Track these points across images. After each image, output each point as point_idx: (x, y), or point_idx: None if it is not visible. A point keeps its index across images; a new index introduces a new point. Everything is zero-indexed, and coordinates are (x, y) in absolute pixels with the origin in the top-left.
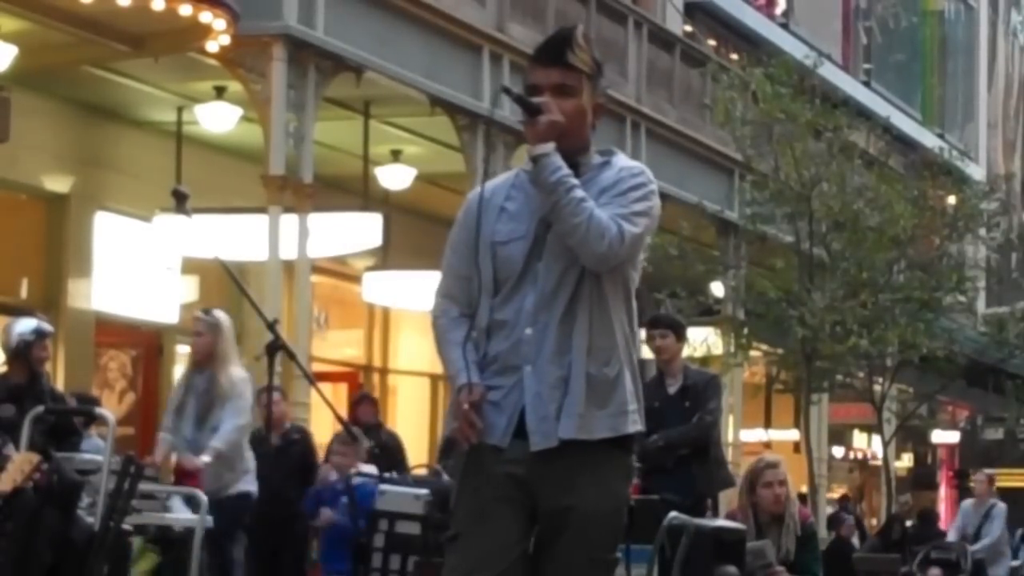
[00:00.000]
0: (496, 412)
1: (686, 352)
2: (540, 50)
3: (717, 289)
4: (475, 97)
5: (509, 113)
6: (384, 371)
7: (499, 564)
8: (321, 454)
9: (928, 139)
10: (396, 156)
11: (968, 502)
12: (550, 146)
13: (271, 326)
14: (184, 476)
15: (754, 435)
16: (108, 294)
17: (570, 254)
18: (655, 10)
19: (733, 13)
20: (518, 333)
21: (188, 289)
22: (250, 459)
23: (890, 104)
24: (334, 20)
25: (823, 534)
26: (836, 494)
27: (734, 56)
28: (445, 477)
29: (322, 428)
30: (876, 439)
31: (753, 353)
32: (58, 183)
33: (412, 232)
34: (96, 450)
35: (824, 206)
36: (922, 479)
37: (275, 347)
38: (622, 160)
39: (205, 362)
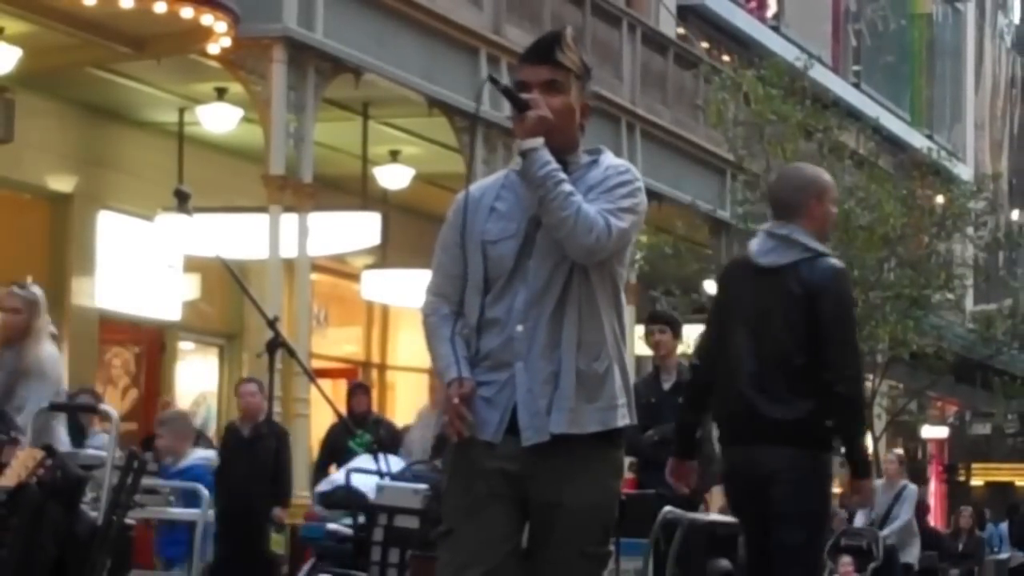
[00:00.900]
0: (488, 408)
1: (680, 349)
2: (530, 49)
3: (710, 287)
4: (472, 99)
5: (497, 110)
6: (383, 367)
7: (491, 559)
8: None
9: (917, 140)
10: (394, 156)
11: (878, 483)
12: (539, 141)
13: (272, 323)
14: None
15: None
16: (111, 292)
17: (559, 251)
18: (648, 13)
19: (725, 16)
20: (509, 330)
21: (190, 287)
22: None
23: (879, 105)
24: (333, 22)
25: None
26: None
27: (726, 58)
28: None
29: (322, 424)
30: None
31: None
32: (62, 183)
33: (410, 231)
34: (102, 445)
35: None
36: (912, 473)
37: (275, 344)
38: (609, 159)
39: (16, 338)
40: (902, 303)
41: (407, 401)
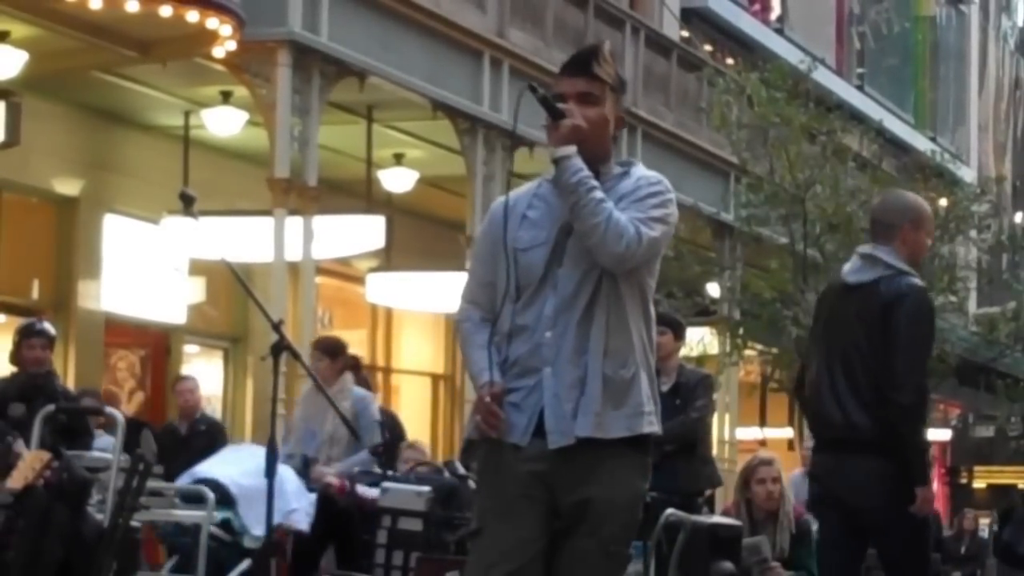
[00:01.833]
0: (517, 413)
1: (683, 352)
2: (568, 61)
3: (713, 290)
4: (476, 101)
5: (497, 112)
6: (387, 371)
7: (519, 559)
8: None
9: (920, 142)
10: (399, 159)
11: (797, 472)
12: (572, 148)
13: (276, 327)
14: None
15: (750, 433)
16: (117, 295)
17: (589, 259)
18: (652, 16)
19: (729, 19)
20: (538, 337)
21: (195, 290)
22: None
23: (883, 108)
24: (338, 26)
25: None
26: None
27: (730, 61)
28: (447, 474)
29: None
30: None
31: (748, 352)
32: (68, 186)
33: (414, 234)
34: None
35: (818, 208)
36: None
37: (280, 347)
38: (641, 170)
39: None
40: None
41: (412, 404)
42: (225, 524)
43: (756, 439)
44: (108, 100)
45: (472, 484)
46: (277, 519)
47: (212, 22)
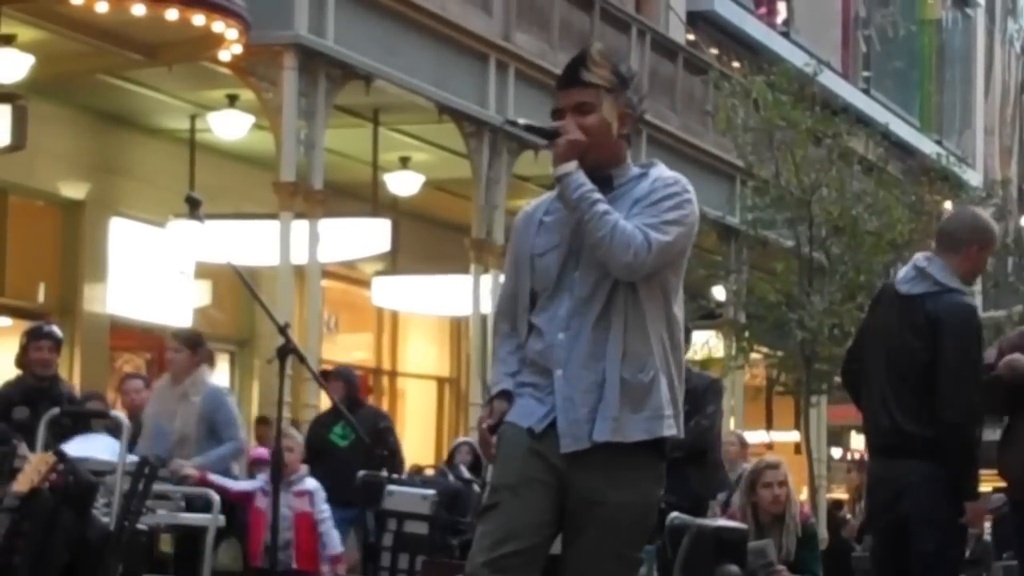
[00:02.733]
0: (537, 403)
1: (688, 355)
2: (561, 74)
3: (719, 293)
4: (482, 105)
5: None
6: (393, 374)
7: (530, 539)
8: None
9: (926, 145)
10: (404, 163)
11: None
12: (571, 165)
13: (282, 330)
14: None
15: (756, 436)
16: (123, 298)
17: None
18: (658, 19)
19: (735, 22)
20: (551, 338)
21: (201, 293)
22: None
23: (889, 111)
24: (344, 29)
25: (823, 534)
26: (835, 494)
27: (736, 64)
28: (451, 478)
29: None
30: None
31: (754, 356)
32: (74, 190)
33: (420, 237)
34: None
35: (824, 211)
36: None
37: (286, 350)
38: (659, 171)
39: None
40: None
41: (417, 407)
42: None
43: (762, 442)
44: (114, 104)
45: (476, 488)
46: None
47: (218, 26)
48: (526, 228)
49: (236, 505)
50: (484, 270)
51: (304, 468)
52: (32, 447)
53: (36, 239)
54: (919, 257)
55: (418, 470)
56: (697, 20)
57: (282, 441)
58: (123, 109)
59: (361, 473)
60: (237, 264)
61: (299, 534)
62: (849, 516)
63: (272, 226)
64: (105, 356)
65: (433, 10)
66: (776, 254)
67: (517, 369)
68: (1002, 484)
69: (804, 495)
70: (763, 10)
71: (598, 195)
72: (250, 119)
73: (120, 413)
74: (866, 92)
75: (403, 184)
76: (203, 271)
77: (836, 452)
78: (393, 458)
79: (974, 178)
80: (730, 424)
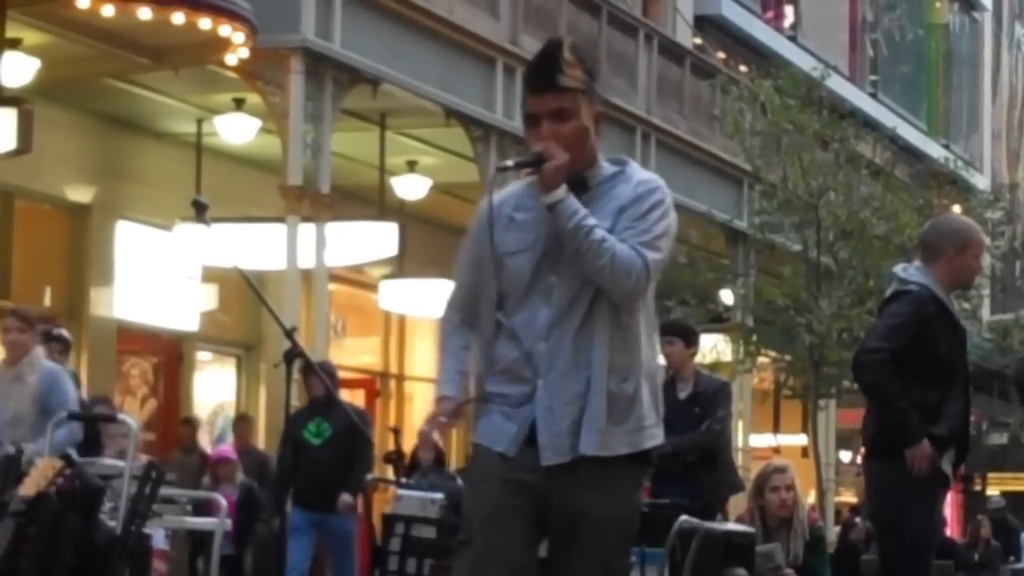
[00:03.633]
0: (505, 421)
1: (696, 359)
2: (531, 76)
3: (726, 297)
4: (489, 108)
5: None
6: (400, 378)
7: (506, 570)
8: None
9: (934, 149)
10: (412, 166)
11: None
12: (561, 191)
13: (289, 334)
14: None
15: (763, 440)
16: (129, 302)
17: None
18: (665, 23)
19: (742, 26)
20: (529, 346)
21: (208, 297)
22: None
23: (896, 115)
24: (351, 33)
25: (831, 538)
26: (844, 498)
27: (743, 68)
28: (459, 481)
29: None
30: None
31: (762, 359)
32: (80, 193)
33: (427, 241)
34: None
35: (831, 215)
36: None
37: (293, 354)
38: (638, 173)
39: None
40: None
41: (425, 411)
42: None
43: (770, 446)
44: (120, 107)
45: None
46: None
47: (225, 29)
48: (495, 220)
49: None
50: None
51: None
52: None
53: (42, 243)
54: (899, 265)
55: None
56: (704, 24)
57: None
58: (129, 113)
59: (370, 476)
60: (244, 268)
61: None
62: (858, 520)
63: (279, 230)
64: (112, 360)
65: (440, 14)
66: (784, 258)
67: (465, 368)
68: (1009, 487)
69: (812, 499)
70: (770, 14)
71: (591, 220)
72: (257, 123)
73: (127, 418)
74: (873, 96)
75: (410, 188)
76: (210, 275)
77: (845, 456)
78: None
79: (982, 182)
80: (738, 427)
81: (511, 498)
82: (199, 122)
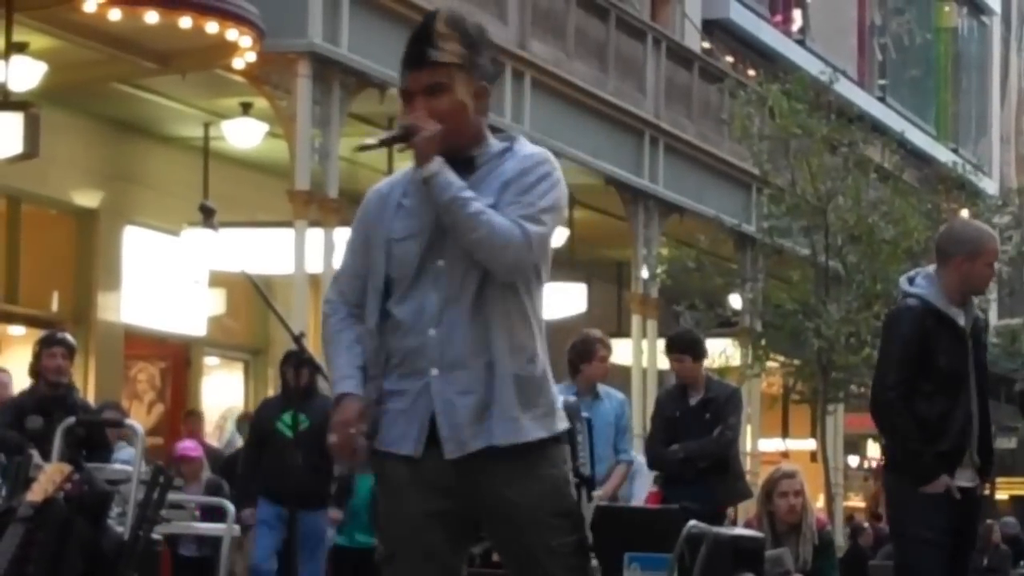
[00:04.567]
0: (405, 421)
1: (705, 363)
2: (405, 52)
3: (735, 301)
4: (497, 112)
5: (528, 127)
6: None
7: None
8: None
9: (942, 154)
10: None
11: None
12: (436, 164)
13: (297, 339)
14: None
15: (772, 445)
16: (137, 307)
17: None
18: (673, 27)
19: (750, 30)
20: (421, 335)
21: (215, 302)
22: None
23: (904, 119)
24: (358, 37)
25: (840, 542)
26: (853, 502)
27: (751, 72)
28: None
29: None
30: None
31: (770, 364)
32: (87, 198)
33: None
34: (129, 459)
35: (840, 219)
36: None
37: (302, 360)
38: (525, 147)
39: None
40: None
41: None
42: None
43: (778, 451)
44: (127, 112)
45: None
46: None
47: (232, 33)
48: (381, 209)
49: None
50: None
51: None
52: (46, 456)
53: (50, 248)
54: (914, 274)
55: None
56: (713, 28)
57: None
58: (136, 117)
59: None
60: (251, 273)
61: None
62: (866, 525)
63: (286, 235)
64: (119, 365)
65: None
66: (792, 262)
67: (362, 363)
68: (1018, 491)
69: (820, 503)
70: (779, 18)
71: (468, 193)
72: (264, 127)
73: (134, 423)
74: (882, 100)
75: None
76: (217, 280)
77: (853, 460)
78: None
79: (990, 186)
80: (746, 432)
81: (427, 504)
82: (206, 126)
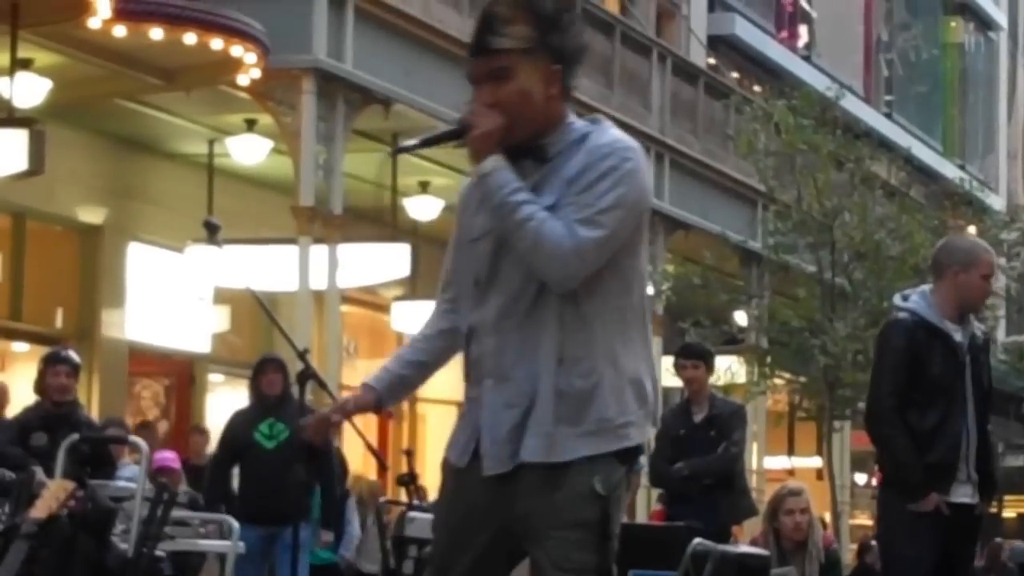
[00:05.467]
0: (461, 429)
1: (711, 380)
2: (471, 41)
3: (740, 318)
4: None
5: None
6: (413, 399)
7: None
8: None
9: (949, 170)
10: (424, 187)
11: None
12: (490, 163)
13: (302, 355)
14: None
15: (778, 462)
16: (141, 324)
17: None
18: (679, 43)
19: (756, 46)
20: (481, 344)
21: (220, 319)
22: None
23: (911, 135)
24: (363, 54)
25: (847, 560)
26: (859, 520)
27: (757, 88)
28: None
29: (352, 455)
30: None
31: (776, 381)
32: (92, 214)
33: (440, 262)
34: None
35: (846, 236)
36: None
37: (306, 376)
38: (601, 135)
39: None
40: None
41: (438, 433)
42: None
43: (784, 468)
44: (132, 128)
45: None
46: None
47: (237, 50)
48: (467, 204)
49: None
50: None
51: None
52: (50, 473)
53: (54, 264)
54: (909, 292)
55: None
56: (718, 44)
57: None
58: (141, 134)
59: (382, 499)
60: (256, 289)
61: None
62: (873, 543)
63: (291, 251)
64: (123, 382)
65: (452, 34)
66: (798, 279)
67: (414, 358)
68: None
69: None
70: (784, 34)
71: (520, 195)
72: (268, 144)
73: (138, 439)
74: (888, 116)
75: (422, 209)
76: (221, 296)
77: (860, 478)
78: (413, 480)
79: (997, 202)
80: (752, 449)
81: (470, 512)
82: (211, 143)
